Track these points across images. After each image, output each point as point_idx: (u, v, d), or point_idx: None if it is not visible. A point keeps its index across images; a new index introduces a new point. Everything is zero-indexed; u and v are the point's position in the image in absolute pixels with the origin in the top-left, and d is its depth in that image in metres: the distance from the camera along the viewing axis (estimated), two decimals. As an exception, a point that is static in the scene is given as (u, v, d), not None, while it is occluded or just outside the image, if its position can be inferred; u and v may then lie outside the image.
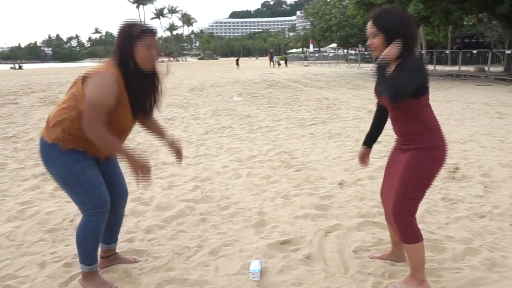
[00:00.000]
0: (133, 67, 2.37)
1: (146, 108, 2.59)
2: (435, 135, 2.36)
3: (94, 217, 2.45)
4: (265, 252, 3.01)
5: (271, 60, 41.25)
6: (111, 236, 2.82)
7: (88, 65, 76.24)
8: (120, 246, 3.03)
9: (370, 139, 2.79)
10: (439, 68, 26.50)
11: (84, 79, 2.32)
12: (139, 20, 2.45)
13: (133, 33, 2.35)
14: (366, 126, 7.58)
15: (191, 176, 4.91)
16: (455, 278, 2.61)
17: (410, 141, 2.39)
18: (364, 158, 2.84)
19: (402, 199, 2.38)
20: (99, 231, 2.52)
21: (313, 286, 2.59)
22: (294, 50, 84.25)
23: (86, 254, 2.51)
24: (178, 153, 2.73)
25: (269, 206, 3.96)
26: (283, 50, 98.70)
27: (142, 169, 2.36)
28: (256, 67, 39.88)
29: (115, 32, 2.48)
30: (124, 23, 2.41)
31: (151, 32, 2.40)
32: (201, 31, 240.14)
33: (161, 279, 2.67)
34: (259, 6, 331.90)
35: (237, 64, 40.28)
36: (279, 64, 40.02)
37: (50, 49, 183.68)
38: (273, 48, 74.93)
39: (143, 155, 2.45)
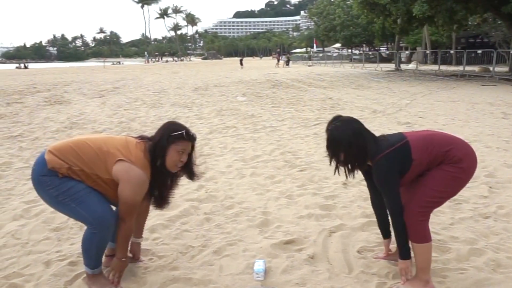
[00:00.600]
0: (159, 166, 2.47)
1: (154, 198, 2.68)
2: (454, 151, 2.34)
3: (98, 230, 2.41)
4: (269, 251, 3.02)
5: (278, 60, 41.22)
6: None
7: (93, 64, 76.51)
8: (125, 245, 3.04)
9: (385, 230, 2.79)
10: (443, 68, 26.40)
11: (118, 161, 2.39)
12: (181, 124, 2.57)
13: (172, 135, 2.46)
14: (371, 127, 7.54)
15: (195, 176, 4.91)
16: (459, 278, 2.60)
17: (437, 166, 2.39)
18: (388, 250, 2.84)
19: (421, 201, 2.38)
20: (105, 242, 2.51)
21: (317, 286, 2.59)
22: (298, 50, 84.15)
23: (90, 260, 2.51)
24: (134, 256, 2.87)
25: (273, 205, 3.97)
26: (287, 50, 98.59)
27: (120, 272, 2.57)
28: (260, 67, 39.87)
29: (159, 129, 2.56)
30: (170, 122, 2.57)
31: (190, 139, 2.53)
32: (205, 31, 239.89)
33: (166, 278, 2.68)
34: (263, 6, 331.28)
35: (241, 64, 40.28)
36: (287, 64, 39.95)
37: (55, 48, 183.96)
38: (279, 48, 74.60)
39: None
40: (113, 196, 2.45)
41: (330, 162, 2.49)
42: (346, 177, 2.50)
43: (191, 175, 2.68)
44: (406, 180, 2.41)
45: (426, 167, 2.37)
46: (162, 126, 2.57)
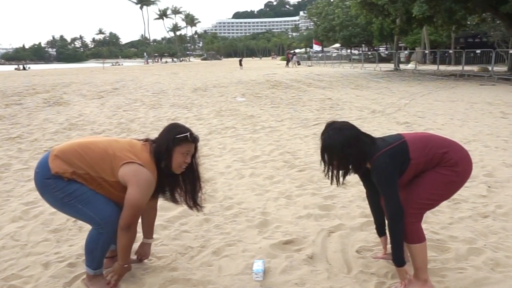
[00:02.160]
0: (164, 167, 2.49)
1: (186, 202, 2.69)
2: (451, 154, 2.34)
3: (104, 230, 2.41)
4: (268, 252, 3.02)
5: (288, 60, 41.29)
6: None
7: (92, 65, 76.48)
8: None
9: (380, 226, 2.79)
10: (442, 68, 26.42)
11: (125, 163, 2.38)
12: (184, 125, 2.58)
13: (176, 137, 2.46)
14: (370, 127, 7.58)
15: (194, 177, 4.91)
16: (458, 278, 2.60)
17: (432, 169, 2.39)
18: (386, 248, 2.83)
19: (414, 203, 2.37)
20: (110, 243, 2.51)
21: (316, 286, 2.60)
22: (297, 50, 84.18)
23: (93, 261, 2.50)
24: (144, 256, 2.88)
25: (272, 206, 3.97)
26: (287, 50, 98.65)
27: (119, 276, 2.55)
28: (259, 68, 39.86)
29: (162, 131, 2.56)
30: (173, 125, 2.58)
31: (194, 140, 2.53)
32: (205, 31, 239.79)
33: (165, 279, 2.68)
34: (262, 7, 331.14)
35: (240, 64, 40.28)
36: (299, 63, 39.88)
37: (54, 50, 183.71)
38: (291, 50, 74.74)
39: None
40: (117, 198, 2.44)
41: (324, 170, 2.45)
42: (337, 184, 2.45)
43: (195, 178, 2.66)
44: (402, 181, 2.40)
45: (422, 168, 2.36)
46: (165, 128, 2.57)
